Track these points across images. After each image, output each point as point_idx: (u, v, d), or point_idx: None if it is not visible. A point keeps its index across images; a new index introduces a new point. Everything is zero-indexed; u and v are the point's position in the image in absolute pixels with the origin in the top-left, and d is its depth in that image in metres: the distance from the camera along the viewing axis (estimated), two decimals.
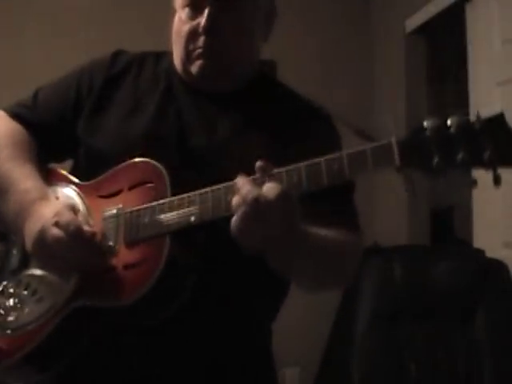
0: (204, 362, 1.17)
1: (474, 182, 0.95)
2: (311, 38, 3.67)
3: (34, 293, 1.17)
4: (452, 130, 0.92)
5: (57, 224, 1.09)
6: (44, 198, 1.17)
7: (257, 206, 0.95)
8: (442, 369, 2.62)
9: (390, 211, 3.62)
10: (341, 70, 3.70)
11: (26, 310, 1.15)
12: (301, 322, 3.33)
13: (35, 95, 1.34)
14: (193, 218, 1.06)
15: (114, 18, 3.39)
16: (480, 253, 2.75)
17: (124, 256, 1.11)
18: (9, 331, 1.15)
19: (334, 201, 1.13)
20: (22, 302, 1.17)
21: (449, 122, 0.93)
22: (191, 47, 1.24)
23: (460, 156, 0.91)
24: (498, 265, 2.68)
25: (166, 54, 1.34)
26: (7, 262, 1.23)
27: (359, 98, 3.70)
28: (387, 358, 2.66)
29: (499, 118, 0.91)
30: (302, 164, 1.00)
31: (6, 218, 1.21)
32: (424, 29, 3.43)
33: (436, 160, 0.92)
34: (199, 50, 1.23)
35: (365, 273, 2.79)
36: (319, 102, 1.30)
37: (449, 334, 2.66)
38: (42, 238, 1.10)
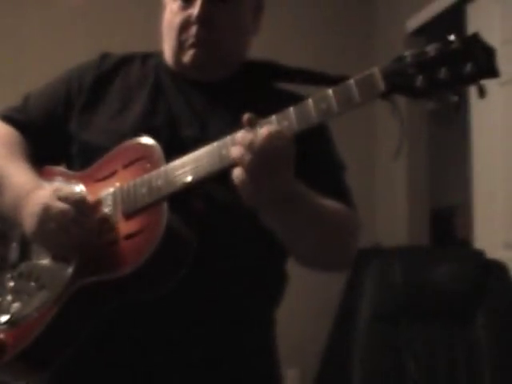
0: (203, 335, 1.17)
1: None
2: (311, 39, 3.68)
3: (36, 281, 1.17)
4: (431, 52, 0.96)
5: (59, 198, 1.10)
6: (39, 187, 1.18)
7: (255, 148, 0.97)
8: (441, 369, 2.62)
9: (390, 212, 3.62)
10: (341, 70, 3.69)
11: (31, 299, 1.16)
12: (301, 323, 3.33)
13: (25, 99, 1.36)
14: (189, 178, 1.07)
15: (114, 18, 3.39)
16: (480, 254, 2.75)
17: (124, 228, 1.11)
18: (14, 323, 1.15)
19: (326, 181, 1.15)
20: (25, 292, 1.17)
21: (427, 48, 0.96)
22: (184, 37, 1.26)
23: (442, 74, 0.94)
24: (498, 265, 2.68)
25: (153, 54, 1.36)
26: (7, 258, 1.24)
27: None
28: (387, 358, 2.66)
29: (475, 36, 0.95)
30: (290, 108, 1.02)
31: (3, 213, 1.22)
32: (424, 29, 3.42)
33: (419, 81, 0.95)
34: (192, 40, 1.25)
35: (365, 273, 2.79)
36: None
37: (449, 334, 2.66)
38: (46, 214, 1.10)
